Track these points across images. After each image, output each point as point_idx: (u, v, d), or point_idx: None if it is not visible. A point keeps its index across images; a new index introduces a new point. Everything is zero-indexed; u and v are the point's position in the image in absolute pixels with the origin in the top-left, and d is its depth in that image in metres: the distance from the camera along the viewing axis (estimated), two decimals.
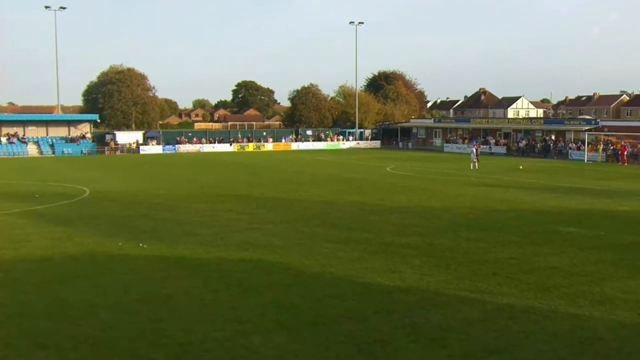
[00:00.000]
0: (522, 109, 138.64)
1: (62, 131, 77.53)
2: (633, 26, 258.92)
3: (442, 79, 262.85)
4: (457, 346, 10.41)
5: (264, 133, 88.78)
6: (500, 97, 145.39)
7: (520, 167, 48.46)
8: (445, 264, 16.03)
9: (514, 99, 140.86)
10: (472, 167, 47.90)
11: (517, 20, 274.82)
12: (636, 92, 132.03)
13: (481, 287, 13.88)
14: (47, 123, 78.23)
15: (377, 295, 13.33)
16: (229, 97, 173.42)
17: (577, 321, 11.64)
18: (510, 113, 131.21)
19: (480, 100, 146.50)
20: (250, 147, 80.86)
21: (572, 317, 11.86)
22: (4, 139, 73.08)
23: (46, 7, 78.20)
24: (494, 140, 74.51)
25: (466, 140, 76.36)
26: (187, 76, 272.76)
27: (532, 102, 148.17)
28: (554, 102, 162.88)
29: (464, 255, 17.13)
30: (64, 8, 78.92)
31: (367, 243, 18.75)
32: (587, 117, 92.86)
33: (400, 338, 10.77)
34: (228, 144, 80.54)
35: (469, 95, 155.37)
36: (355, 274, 15.03)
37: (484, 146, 71.40)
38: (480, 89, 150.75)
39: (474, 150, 50.92)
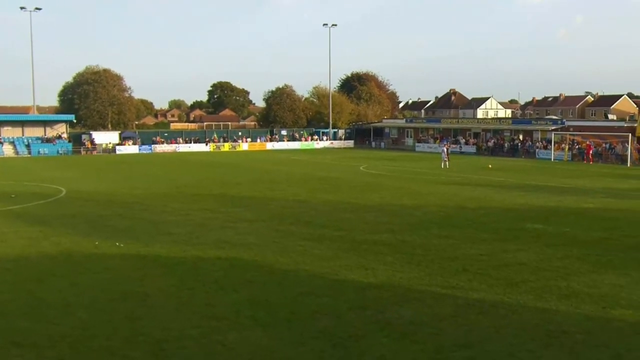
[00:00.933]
0: (491, 109, 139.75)
1: (38, 131, 76.45)
2: (598, 28, 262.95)
3: (413, 80, 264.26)
4: (428, 341, 10.50)
5: (240, 133, 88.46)
6: (470, 98, 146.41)
7: (490, 166, 48.91)
8: (417, 261, 16.13)
9: (483, 100, 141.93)
10: (443, 166, 48.28)
11: (487, 22, 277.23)
12: (600, 94, 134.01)
13: (452, 283, 14.00)
14: (22, 123, 77.07)
15: (351, 291, 13.38)
16: (204, 97, 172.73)
17: (545, 315, 11.80)
18: (480, 113, 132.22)
19: (450, 101, 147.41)
20: (226, 147, 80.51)
21: (539, 311, 12.02)
22: None
23: (21, 7, 77.07)
24: (464, 140, 75.11)
25: (437, 140, 76.86)
26: (163, 77, 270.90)
27: (500, 103, 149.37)
28: (522, 102, 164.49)
29: (435, 252, 17.26)
30: (39, 9, 77.80)
31: (340, 241, 18.79)
32: (554, 117, 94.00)
33: (373, 333, 10.82)
34: (204, 144, 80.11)
35: (439, 96, 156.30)
36: (329, 271, 15.06)
37: (455, 146, 71.94)
38: (450, 90, 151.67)
39: (445, 150, 51.38)
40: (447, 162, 49.12)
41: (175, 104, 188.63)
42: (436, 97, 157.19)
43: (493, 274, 14.83)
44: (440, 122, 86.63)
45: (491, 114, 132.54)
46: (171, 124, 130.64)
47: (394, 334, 10.79)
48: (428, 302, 12.60)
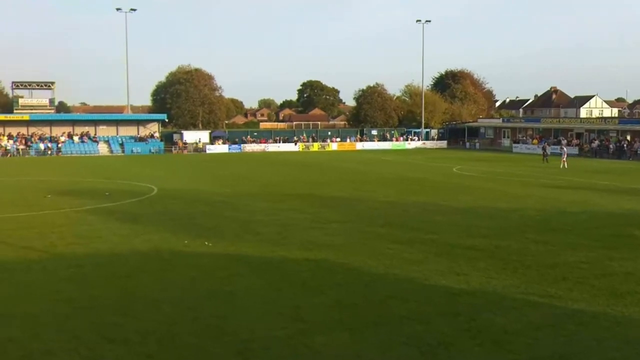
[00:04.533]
0: (595, 108, 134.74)
1: (131, 130, 79.66)
2: None
3: (511, 78, 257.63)
4: (523, 350, 10.19)
5: (329, 133, 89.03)
6: (572, 96, 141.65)
7: (562, 166, 47.05)
8: (512, 267, 15.70)
9: (587, 98, 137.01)
10: (562, 167, 48.02)
11: (591, 16, 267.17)
12: None
13: (550, 292, 13.53)
14: (117, 122, 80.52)
15: (441, 297, 13.17)
16: (294, 96, 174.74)
17: None
18: (583, 112, 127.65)
19: (551, 100, 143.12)
20: (315, 146, 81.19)
21: None
22: (76, 138, 75.62)
23: (117, 9, 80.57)
24: (565, 141, 72.62)
25: (535, 141, 74.69)
26: (253, 76, 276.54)
27: (606, 101, 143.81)
28: (630, 101, 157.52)
29: (531, 258, 16.74)
30: (134, 10, 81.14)
31: (431, 244, 18.55)
32: None
33: (464, 341, 10.61)
34: (293, 144, 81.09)
35: (539, 95, 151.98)
36: (419, 276, 14.89)
37: (555, 146, 69.74)
38: (551, 88, 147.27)
39: (564, 150, 52.43)
40: (565, 163, 48.98)
41: (265, 103, 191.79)
42: (536, 96, 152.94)
43: (595, 283, 14.22)
44: (540, 121, 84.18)
45: (595, 113, 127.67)
46: (260, 123, 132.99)
47: (486, 343, 10.54)
48: (523, 311, 12.23)
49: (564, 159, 49.87)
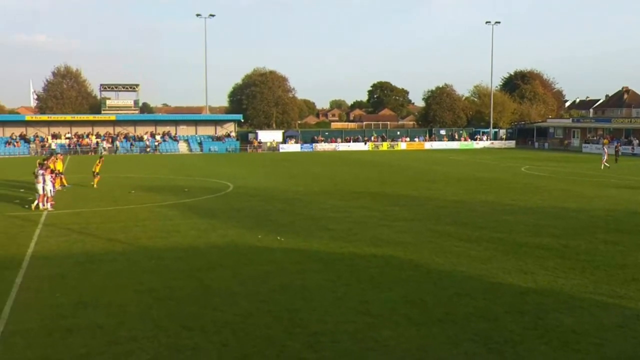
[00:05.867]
0: None
1: (209, 130, 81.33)
2: None
3: (582, 78, 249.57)
4: (591, 351, 9.90)
5: (398, 132, 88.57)
6: None
7: None
8: (581, 267, 15.26)
9: None
10: (602, 167, 46.30)
11: None
12: None
13: (619, 292, 13.09)
14: (196, 122, 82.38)
15: (508, 295, 12.93)
16: (364, 97, 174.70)
17: None
18: None
19: (622, 100, 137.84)
20: (385, 146, 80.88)
21: None
22: (158, 137, 77.75)
23: (197, 15, 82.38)
24: (637, 141, 69.93)
25: (605, 141, 72.17)
26: (325, 78, 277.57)
27: None
28: None
29: (601, 258, 16.22)
30: (213, 15, 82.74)
31: (499, 243, 18.21)
32: None
33: (531, 339, 10.39)
34: (363, 143, 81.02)
35: (610, 95, 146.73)
36: (486, 274, 14.65)
37: (626, 147, 67.32)
38: (623, 88, 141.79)
39: (605, 150, 50.69)
40: (606, 163, 47.25)
41: (336, 104, 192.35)
42: (606, 96, 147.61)
43: None
44: (611, 121, 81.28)
45: None
46: (332, 123, 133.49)
47: (554, 342, 10.29)
48: (592, 311, 11.87)
49: (604, 159, 47.92)
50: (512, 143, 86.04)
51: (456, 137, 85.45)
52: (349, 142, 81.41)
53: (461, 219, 22.69)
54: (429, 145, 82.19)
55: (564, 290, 13.31)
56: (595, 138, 76.29)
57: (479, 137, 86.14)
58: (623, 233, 19.88)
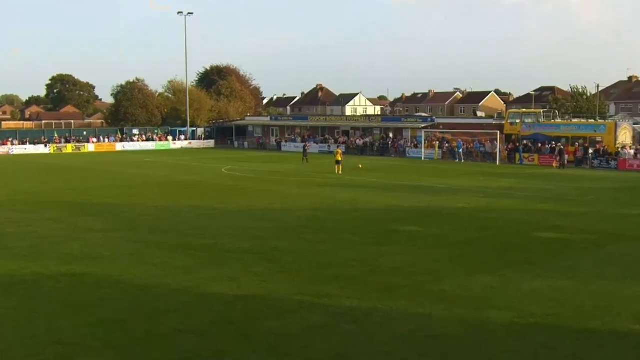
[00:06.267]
0: (359, 106, 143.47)
1: None
2: (458, 24, 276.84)
3: (278, 75, 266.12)
4: (299, 354, 10.65)
5: (85, 132, 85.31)
6: (337, 94, 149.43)
7: (360, 166, 50.16)
8: (287, 269, 16.30)
9: (351, 96, 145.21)
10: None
11: (349, 15, 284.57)
12: (468, 90, 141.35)
13: (324, 291, 14.26)
14: None
15: (216, 305, 13.31)
16: (42, 92, 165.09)
17: (420, 321, 12.33)
18: (348, 110, 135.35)
19: (318, 97, 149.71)
20: (69, 148, 77.30)
21: (414, 317, 12.53)
22: None
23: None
24: (332, 139, 76.48)
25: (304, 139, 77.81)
26: None
27: (369, 100, 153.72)
28: (391, 99, 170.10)
29: (306, 259, 17.50)
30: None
31: (205, 250, 18.62)
32: (424, 114, 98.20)
33: (240, 349, 10.83)
34: (43, 145, 76.49)
35: (306, 92, 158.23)
36: (192, 284, 14.88)
37: (323, 145, 73.36)
38: (317, 85, 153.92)
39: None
40: (307, 159, 55.20)
41: (7, 100, 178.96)
42: (302, 93, 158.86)
43: (367, 280, 15.26)
44: (308, 119, 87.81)
45: (360, 111, 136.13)
46: (3, 122, 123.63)
47: (262, 349, 10.86)
48: (298, 313, 12.77)
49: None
50: (211, 142, 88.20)
51: (151, 136, 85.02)
52: (26, 144, 76.27)
53: (164, 226, 22.71)
54: (120, 146, 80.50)
55: (271, 294, 14.09)
56: (293, 136, 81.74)
57: (175, 137, 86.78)
58: (326, 231, 21.71)
